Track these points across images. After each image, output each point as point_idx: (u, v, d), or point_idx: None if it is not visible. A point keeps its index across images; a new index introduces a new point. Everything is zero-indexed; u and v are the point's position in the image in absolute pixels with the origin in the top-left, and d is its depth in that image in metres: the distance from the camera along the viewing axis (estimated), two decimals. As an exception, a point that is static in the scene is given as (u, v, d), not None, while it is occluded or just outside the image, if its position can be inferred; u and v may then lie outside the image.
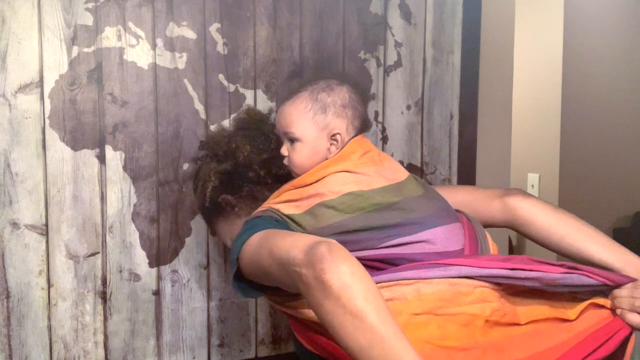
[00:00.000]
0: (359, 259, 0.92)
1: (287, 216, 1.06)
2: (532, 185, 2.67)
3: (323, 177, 1.09)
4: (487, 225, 1.20)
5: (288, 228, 1.05)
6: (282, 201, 1.10)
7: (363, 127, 1.19)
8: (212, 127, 1.52)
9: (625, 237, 2.65)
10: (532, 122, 2.63)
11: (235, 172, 1.23)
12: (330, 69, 1.62)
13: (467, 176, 1.80)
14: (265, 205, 1.12)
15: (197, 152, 1.36)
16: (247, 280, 1.06)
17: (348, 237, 1.01)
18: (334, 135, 1.13)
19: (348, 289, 0.81)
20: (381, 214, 1.03)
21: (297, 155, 1.14)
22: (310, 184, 1.09)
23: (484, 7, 1.80)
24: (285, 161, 1.16)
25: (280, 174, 1.20)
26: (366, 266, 0.94)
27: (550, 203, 1.21)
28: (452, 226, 1.07)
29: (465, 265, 0.98)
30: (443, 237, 1.04)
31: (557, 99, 2.49)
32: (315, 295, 0.83)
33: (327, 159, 1.13)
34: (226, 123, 1.53)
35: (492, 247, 1.12)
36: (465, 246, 1.06)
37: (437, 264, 0.98)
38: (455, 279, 0.97)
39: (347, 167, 1.09)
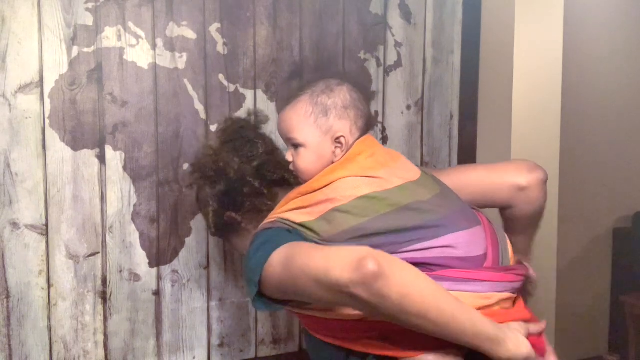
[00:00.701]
0: None
1: (299, 224, 1.03)
2: (532, 185, 2.67)
3: (331, 183, 1.06)
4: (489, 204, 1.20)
5: (301, 237, 1.02)
6: (290, 209, 1.06)
7: (367, 126, 1.16)
8: (212, 127, 1.52)
9: (625, 237, 2.66)
10: (532, 122, 2.63)
11: (231, 189, 1.20)
12: (330, 69, 1.62)
13: (467, 176, 1.80)
14: (272, 216, 1.08)
15: (190, 177, 1.33)
16: (267, 296, 1.03)
17: (366, 241, 0.98)
18: (337, 138, 1.10)
19: (408, 296, 0.85)
20: (398, 216, 1.01)
21: (302, 161, 1.11)
22: (319, 189, 1.06)
23: (484, 7, 1.80)
24: (291, 167, 1.14)
25: (276, 179, 1.18)
26: None
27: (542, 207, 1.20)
28: (474, 230, 1.05)
29: (498, 281, 1.00)
30: (465, 242, 1.02)
31: (557, 99, 2.49)
32: (376, 307, 0.86)
33: (333, 162, 1.11)
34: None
35: (510, 249, 1.10)
36: (488, 252, 1.04)
37: (469, 279, 0.98)
38: (487, 294, 0.99)
39: (355, 171, 1.06)
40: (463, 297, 0.95)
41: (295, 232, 1.03)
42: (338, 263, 0.86)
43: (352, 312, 0.97)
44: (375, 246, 0.96)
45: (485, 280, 0.99)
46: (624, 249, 2.66)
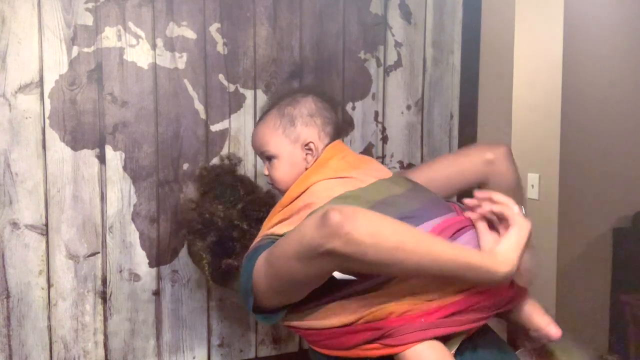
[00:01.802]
0: None
1: (282, 235, 1.04)
2: (532, 185, 2.67)
3: (307, 188, 1.10)
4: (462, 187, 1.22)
5: None
6: (274, 223, 1.10)
7: (337, 132, 1.20)
8: (213, 128, 1.52)
9: (625, 237, 2.65)
10: (532, 122, 2.63)
11: (222, 237, 1.26)
12: (330, 69, 1.63)
13: (467, 176, 1.80)
14: (260, 235, 1.12)
15: (181, 234, 1.38)
16: (266, 308, 1.06)
17: None
18: (307, 144, 1.15)
19: (379, 233, 0.87)
20: (375, 211, 1.02)
21: (276, 171, 1.16)
22: (297, 196, 1.10)
23: (484, 7, 1.80)
24: (268, 180, 1.19)
25: (262, 216, 1.22)
26: None
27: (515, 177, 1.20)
28: (446, 217, 1.06)
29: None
30: (441, 229, 1.03)
31: (557, 99, 2.49)
32: (354, 255, 0.87)
33: (306, 168, 1.15)
34: (226, 124, 1.53)
35: None
36: None
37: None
38: None
39: (328, 174, 1.10)
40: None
41: None
42: (307, 229, 0.89)
43: (347, 317, 0.98)
44: None
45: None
46: (624, 249, 2.66)
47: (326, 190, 1.07)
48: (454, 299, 0.98)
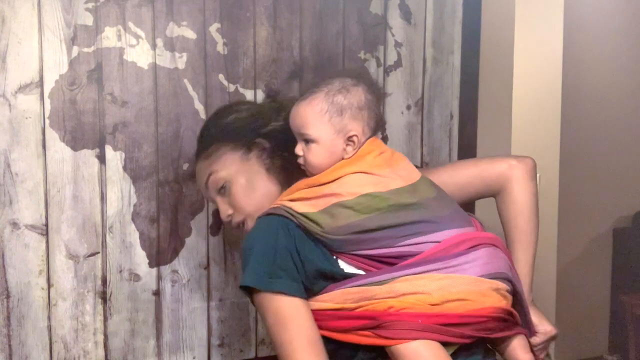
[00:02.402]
0: (375, 256, 1.03)
1: (301, 214, 1.06)
2: (532, 185, 2.67)
3: (340, 177, 1.09)
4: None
5: (297, 229, 1.06)
6: (295, 199, 1.10)
7: (378, 127, 1.18)
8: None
9: (625, 237, 2.66)
10: (532, 122, 2.63)
11: (284, 132, 1.19)
12: (330, 69, 1.62)
13: (467, 176, 1.80)
14: (278, 202, 1.12)
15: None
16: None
17: (365, 236, 1.03)
18: (350, 137, 1.12)
19: None
20: (397, 214, 1.05)
21: (312, 156, 1.12)
22: (326, 183, 1.09)
23: (484, 7, 1.80)
24: (300, 160, 1.15)
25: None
26: (382, 262, 1.03)
27: (533, 197, 1.21)
28: (466, 229, 1.09)
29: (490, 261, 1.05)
30: (457, 241, 1.06)
31: (557, 99, 2.49)
32: None
33: (343, 158, 1.13)
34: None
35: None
36: None
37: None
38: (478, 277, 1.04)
39: (363, 168, 1.09)
40: (454, 278, 1.01)
41: (292, 226, 1.06)
42: None
43: (347, 303, 1.02)
44: (372, 240, 1.03)
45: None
46: (624, 249, 2.66)
47: (356, 185, 1.07)
48: (457, 312, 0.99)
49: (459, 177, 1.22)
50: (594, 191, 2.62)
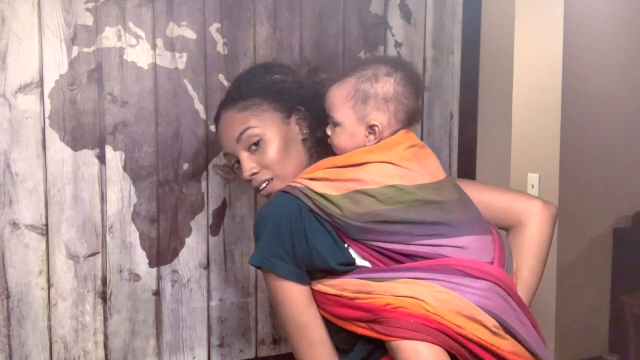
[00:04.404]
0: (388, 250, 1.03)
1: (320, 194, 1.06)
2: (532, 185, 2.67)
3: (366, 163, 1.08)
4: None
5: (309, 214, 1.06)
6: (316, 178, 1.09)
7: (410, 119, 1.16)
8: (213, 128, 1.52)
9: (625, 237, 2.66)
10: (532, 122, 2.63)
11: (323, 109, 1.20)
12: (330, 69, 1.62)
13: (467, 176, 1.80)
14: (299, 180, 1.11)
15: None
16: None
17: (384, 227, 1.03)
18: (372, 126, 1.12)
19: None
20: (420, 210, 1.04)
21: (336, 137, 1.14)
22: (352, 165, 1.09)
23: (484, 7, 1.80)
24: (329, 141, 1.16)
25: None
26: (391, 258, 1.03)
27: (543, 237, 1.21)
28: (485, 237, 1.08)
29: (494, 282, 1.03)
30: (477, 246, 1.05)
31: (557, 99, 2.49)
32: None
33: (364, 145, 1.12)
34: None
35: (514, 265, 1.13)
36: (495, 260, 1.07)
37: (471, 274, 1.02)
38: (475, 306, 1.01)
39: (391, 158, 1.08)
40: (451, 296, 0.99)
41: (305, 211, 1.07)
42: None
43: (347, 292, 1.03)
44: (390, 233, 1.03)
45: (484, 279, 1.02)
46: (624, 249, 2.66)
47: (382, 175, 1.06)
48: (453, 325, 0.98)
49: (484, 196, 1.21)
50: (594, 191, 2.62)
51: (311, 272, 1.07)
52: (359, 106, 1.11)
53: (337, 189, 1.06)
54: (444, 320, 0.98)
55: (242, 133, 1.19)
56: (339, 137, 1.13)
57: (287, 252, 1.05)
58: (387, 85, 1.12)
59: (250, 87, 1.23)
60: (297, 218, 1.06)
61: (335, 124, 1.14)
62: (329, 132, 1.16)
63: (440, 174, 1.13)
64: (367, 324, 1.01)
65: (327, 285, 1.06)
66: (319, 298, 1.08)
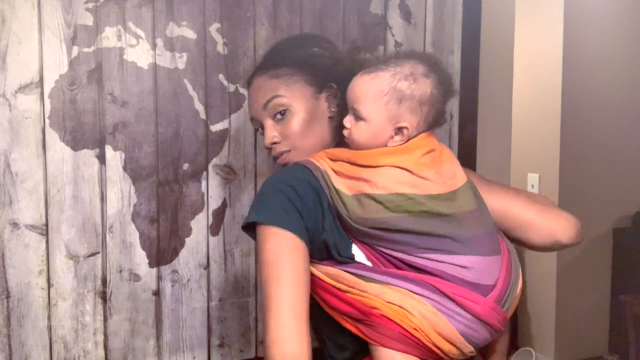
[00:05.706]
0: (390, 256, 1.01)
1: (336, 190, 1.03)
2: (532, 185, 2.67)
3: (380, 166, 1.04)
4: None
5: (325, 198, 1.04)
6: (334, 169, 1.06)
7: (436, 123, 1.12)
8: (213, 128, 1.52)
9: (625, 237, 2.66)
10: (532, 122, 2.63)
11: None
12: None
13: (467, 176, 1.80)
14: (317, 157, 1.08)
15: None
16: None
17: (387, 234, 1.00)
18: (401, 127, 1.06)
19: None
20: (427, 222, 1.01)
21: (357, 133, 1.07)
22: (365, 165, 1.04)
23: (484, 7, 1.80)
24: (345, 133, 1.10)
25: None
26: (392, 264, 1.02)
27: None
28: (492, 259, 1.04)
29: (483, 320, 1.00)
30: (480, 268, 1.01)
31: (557, 99, 2.49)
32: None
33: (386, 145, 1.07)
34: (226, 124, 1.53)
35: (519, 287, 1.10)
36: (498, 284, 1.04)
37: (457, 301, 0.99)
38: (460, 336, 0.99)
39: (407, 164, 1.04)
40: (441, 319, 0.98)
41: (322, 194, 1.04)
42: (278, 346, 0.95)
43: (339, 284, 1.02)
44: (393, 241, 1.00)
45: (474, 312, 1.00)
46: (624, 249, 2.66)
47: (393, 181, 1.02)
48: (431, 340, 0.98)
49: (513, 208, 1.16)
50: (594, 191, 2.62)
51: (311, 250, 1.03)
52: (392, 105, 1.05)
53: (349, 187, 1.03)
54: (423, 335, 0.96)
55: (269, 100, 1.15)
56: (361, 133, 1.07)
57: (300, 213, 1.01)
58: (424, 87, 1.06)
59: (285, 56, 1.20)
60: (320, 190, 1.03)
61: (360, 118, 1.07)
62: (347, 124, 1.09)
63: (458, 182, 1.07)
64: (353, 322, 1.00)
65: (323, 273, 1.03)
66: (315, 279, 1.04)
